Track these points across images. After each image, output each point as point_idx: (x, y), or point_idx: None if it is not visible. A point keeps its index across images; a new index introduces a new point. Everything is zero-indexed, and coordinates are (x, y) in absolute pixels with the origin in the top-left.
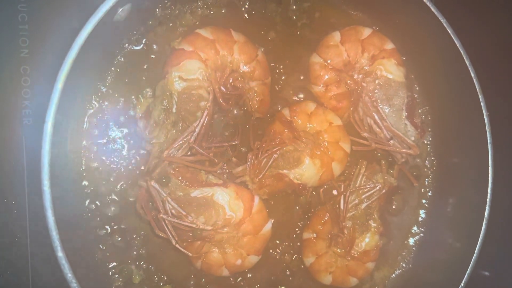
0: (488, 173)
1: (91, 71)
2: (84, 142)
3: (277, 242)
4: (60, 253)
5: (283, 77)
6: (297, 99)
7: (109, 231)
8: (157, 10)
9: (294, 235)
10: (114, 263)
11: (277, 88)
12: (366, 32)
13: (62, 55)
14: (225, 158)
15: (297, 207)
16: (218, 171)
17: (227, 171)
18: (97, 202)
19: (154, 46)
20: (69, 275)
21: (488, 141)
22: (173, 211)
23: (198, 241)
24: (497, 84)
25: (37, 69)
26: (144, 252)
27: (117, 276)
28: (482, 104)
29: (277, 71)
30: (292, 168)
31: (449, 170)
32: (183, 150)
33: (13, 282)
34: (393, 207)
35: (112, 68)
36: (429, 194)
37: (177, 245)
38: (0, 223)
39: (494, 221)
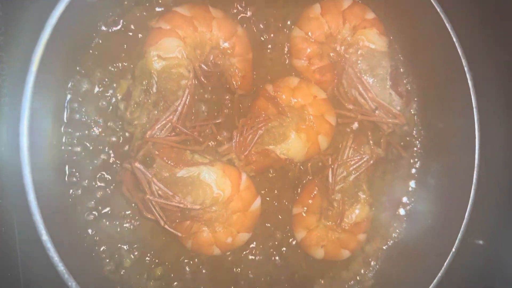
0: (475, 138)
1: (68, 55)
2: (64, 127)
3: (267, 219)
4: (45, 237)
5: (265, 52)
6: (279, 73)
7: (96, 215)
8: None
9: (284, 211)
10: (104, 247)
11: (259, 64)
12: (346, 2)
13: (37, 39)
14: (210, 137)
15: (286, 183)
16: (204, 150)
17: (213, 149)
18: (83, 188)
19: (132, 27)
20: (55, 258)
21: (474, 106)
22: (159, 192)
23: (187, 221)
24: (480, 48)
25: (13, 56)
26: (133, 235)
27: (107, 260)
28: (465, 69)
29: (259, 46)
30: (278, 143)
31: (437, 138)
32: (166, 130)
33: (2, 273)
34: (383, 178)
35: (90, 51)
36: (418, 163)
37: (166, 226)
38: None
39: (483, 188)
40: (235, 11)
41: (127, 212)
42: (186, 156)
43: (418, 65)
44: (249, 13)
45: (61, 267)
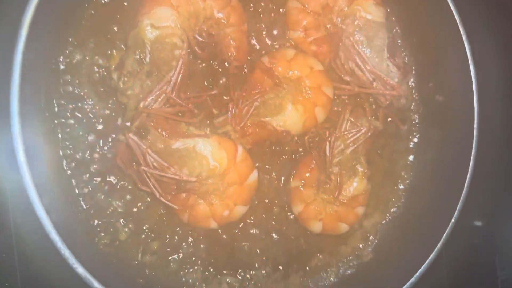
0: (474, 110)
1: (60, 26)
2: (56, 99)
3: (264, 192)
4: (39, 210)
5: (261, 23)
6: (275, 45)
7: (91, 189)
8: None
9: (281, 185)
10: (99, 221)
11: (253, 35)
12: None
13: (25, 9)
14: (205, 109)
15: (283, 157)
16: (199, 122)
17: (208, 122)
18: (77, 161)
19: None
20: (49, 229)
21: (472, 77)
22: (154, 164)
23: (183, 193)
24: (479, 19)
25: (3, 25)
26: (129, 208)
27: (103, 234)
28: (464, 40)
29: (255, 17)
30: (274, 115)
31: (435, 111)
32: (160, 102)
33: None
34: (381, 152)
35: (83, 22)
36: (416, 137)
37: (161, 198)
38: None
39: (482, 161)
40: None
41: (122, 185)
42: (181, 128)
43: (416, 37)
44: None
45: (55, 236)
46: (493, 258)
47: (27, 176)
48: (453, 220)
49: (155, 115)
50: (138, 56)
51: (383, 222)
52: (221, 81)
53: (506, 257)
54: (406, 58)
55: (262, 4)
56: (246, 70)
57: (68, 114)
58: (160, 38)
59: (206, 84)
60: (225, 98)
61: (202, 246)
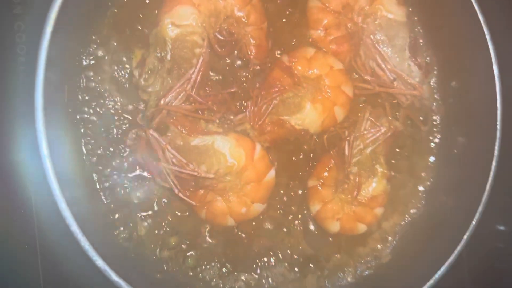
0: (497, 112)
1: (83, 24)
2: (79, 95)
3: (282, 191)
4: (63, 205)
5: (281, 22)
6: (295, 44)
7: (111, 183)
8: None
9: (299, 184)
10: (119, 215)
11: (274, 34)
12: None
13: (51, 8)
14: (224, 106)
15: (301, 156)
16: (218, 120)
17: (227, 119)
18: (98, 156)
19: None
20: (71, 222)
21: (496, 78)
22: (173, 160)
23: (201, 189)
24: (503, 19)
25: (29, 24)
26: (148, 203)
27: (122, 228)
28: (488, 40)
29: (275, 15)
30: (293, 114)
31: (457, 112)
32: (180, 99)
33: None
34: (401, 153)
35: (106, 20)
36: (438, 137)
37: (180, 194)
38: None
39: (505, 164)
40: None
41: (142, 180)
42: (200, 125)
43: (438, 37)
44: None
45: (76, 229)
46: None
47: (49, 170)
48: (474, 223)
49: (175, 112)
50: (159, 54)
51: (402, 223)
52: (241, 79)
53: None
54: (428, 58)
55: (283, 2)
56: (266, 68)
57: (90, 110)
58: (181, 36)
59: (225, 82)
60: (244, 96)
61: (219, 242)
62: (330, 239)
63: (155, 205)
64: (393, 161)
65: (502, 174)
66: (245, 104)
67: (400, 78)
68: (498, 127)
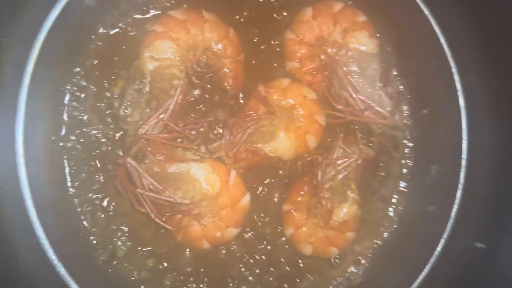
0: (462, 140)
1: (66, 56)
2: (62, 124)
3: (257, 215)
4: (38, 229)
5: (258, 54)
6: (271, 75)
7: (92, 208)
8: None
9: (274, 208)
10: (98, 238)
11: (250, 65)
12: (338, 6)
13: (34, 41)
14: (201, 135)
15: (277, 181)
16: (195, 148)
17: (204, 147)
18: (80, 181)
19: (129, 29)
20: (47, 246)
21: (462, 107)
22: (150, 187)
23: (177, 215)
24: (469, 51)
25: (13, 55)
26: (126, 227)
27: (101, 251)
28: (454, 71)
29: (252, 48)
30: (266, 142)
31: (428, 138)
32: (159, 128)
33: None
34: (374, 178)
35: (90, 53)
36: (409, 163)
37: (156, 219)
38: None
39: (472, 188)
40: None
41: (121, 205)
42: (177, 153)
43: (409, 67)
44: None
45: (52, 255)
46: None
47: (27, 195)
48: (440, 246)
49: (153, 140)
50: (138, 86)
51: (375, 246)
52: (217, 109)
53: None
54: (401, 87)
55: (259, 36)
56: (241, 98)
57: (73, 138)
58: (159, 69)
59: (203, 111)
60: (220, 125)
61: (195, 264)
62: (304, 261)
63: (133, 228)
64: (365, 186)
65: (469, 197)
66: (221, 132)
67: (371, 108)
68: (464, 157)
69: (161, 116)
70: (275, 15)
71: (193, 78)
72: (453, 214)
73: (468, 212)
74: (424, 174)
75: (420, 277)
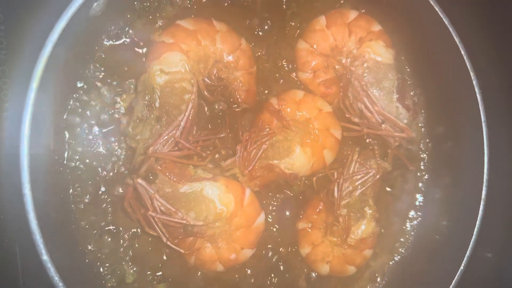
0: (484, 152)
1: (71, 69)
2: (66, 142)
3: (272, 234)
4: (44, 257)
5: (268, 65)
6: (284, 87)
7: (98, 231)
8: (135, 3)
9: (289, 226)
10: (106, 263)
11: (263, 77)
12: (352, 14)
13: (39, 53)
14: (213, 152)
15: (291, 198)
16: (207, 165)
17: (216, 164)
18: (85, 204)
19: (135, 40)
20: (55, 278)
21: (482, 119)
22: (162, 208)
23: (190, 237)
24: (488, 61)
25: (15, 70)
26: (135, 251)
27: (109, 276)
28: (474, 82)
29: (264, 59)
30: (282, 158)
31: (445, 151)
32: (169, 145)
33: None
34: (390, 192)
35: (95, 65)
36: (426, 177)
37: (168, 243)
38: None
39: (492, 201)
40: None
41: (129, 228)
42: (189, 171)
43: (426, 78)
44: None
45: (58, 281)
46: None
47: (33, 221)
48: (463, 263)
49: (163, 159)
50: (147, 101)
51: (391, 262)
52: (230, 124)
53: None
54: (415, 98)
55: (271, 46)
56: (255, 112)
57: (77, 157)
58: (169, 83)
59: (215, 126)
60: (233, 140)
61: (208, 287)
62: (320, 280)
63: (142, 252)
64: (381, 200)
65: (490, 213)
66: (235, 148)
67: (388, 120)
68: (485, 169)
69: (172, 133)
70: (291, 23)
71: (205, 92)
72: (475, 231)
73: (489, 229)
74: (442, 188)
75: None
